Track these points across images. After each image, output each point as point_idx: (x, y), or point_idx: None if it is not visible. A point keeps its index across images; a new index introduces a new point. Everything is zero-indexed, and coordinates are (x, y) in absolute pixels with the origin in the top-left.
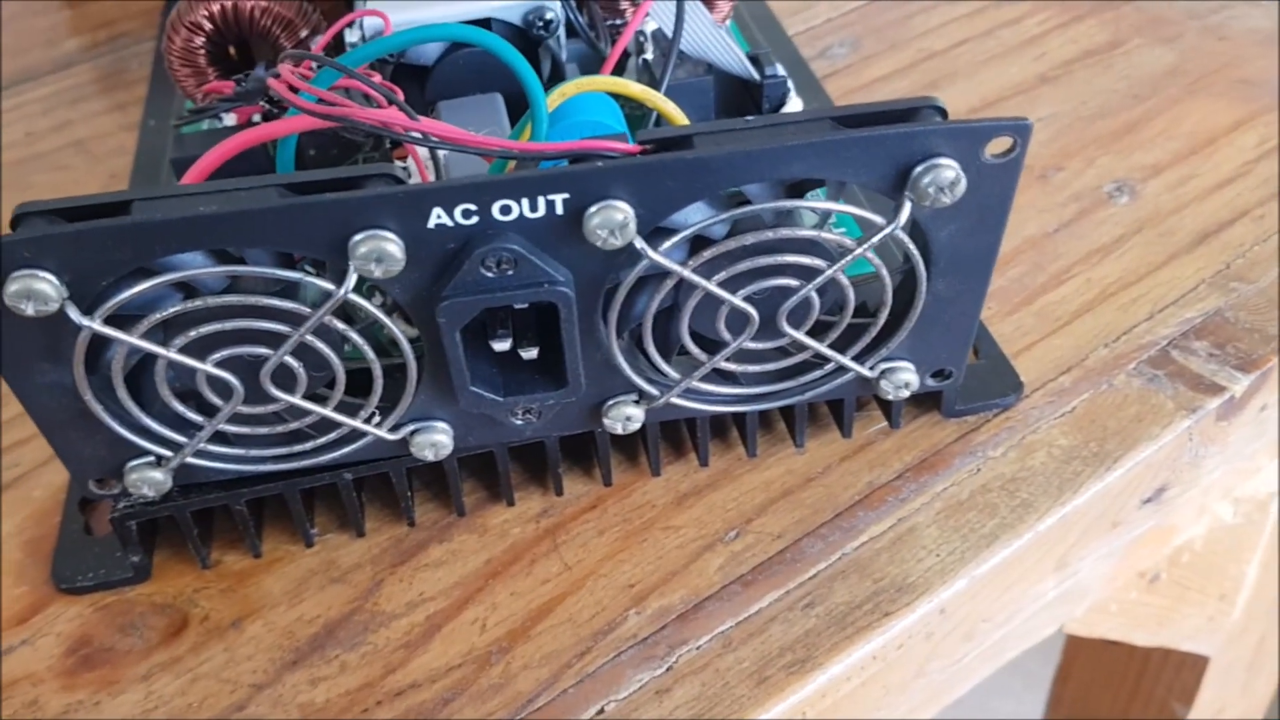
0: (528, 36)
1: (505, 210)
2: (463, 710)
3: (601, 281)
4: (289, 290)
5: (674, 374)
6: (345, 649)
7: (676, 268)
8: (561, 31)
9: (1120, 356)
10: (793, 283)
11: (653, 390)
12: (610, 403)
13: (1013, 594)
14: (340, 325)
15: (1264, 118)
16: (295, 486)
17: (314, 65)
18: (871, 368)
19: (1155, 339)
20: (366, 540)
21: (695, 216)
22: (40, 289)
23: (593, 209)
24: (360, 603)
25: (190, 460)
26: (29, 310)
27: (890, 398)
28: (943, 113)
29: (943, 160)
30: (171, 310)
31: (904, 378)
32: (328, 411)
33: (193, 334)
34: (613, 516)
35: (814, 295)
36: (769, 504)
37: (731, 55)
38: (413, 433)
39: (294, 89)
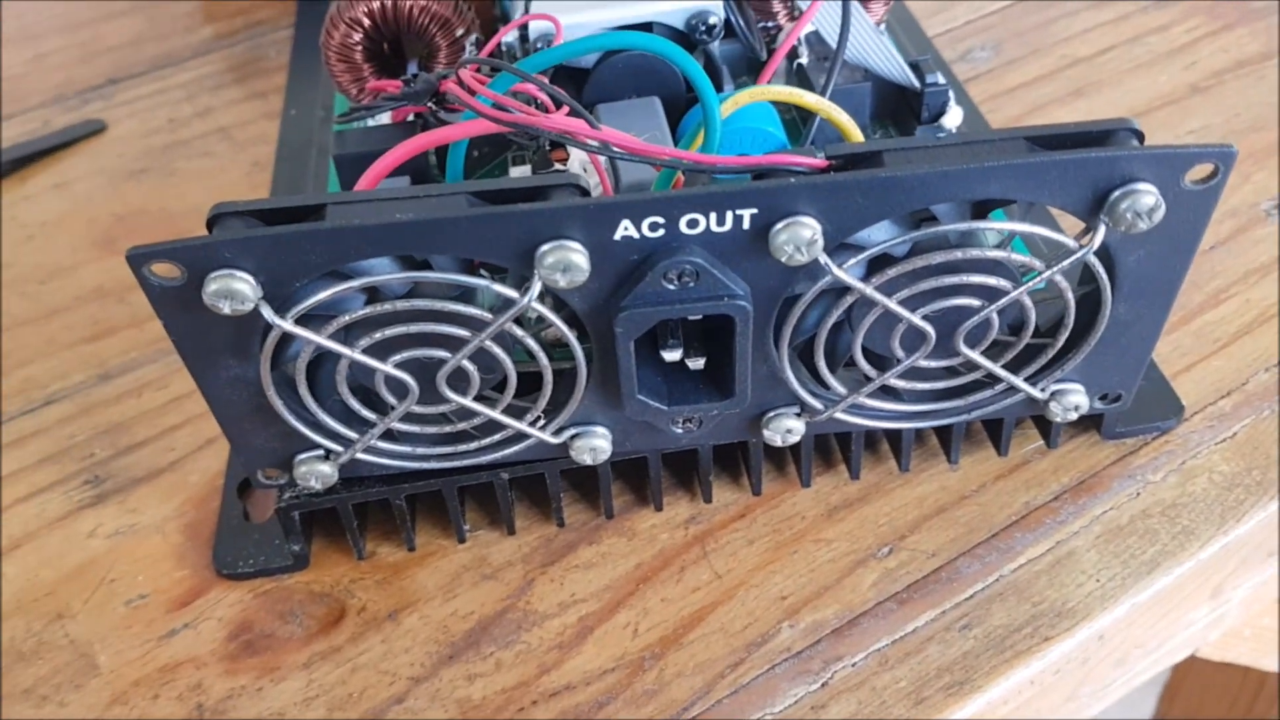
0: (689, 40)
1: (692, 224)
2: (618, 713)
3: (778, 295)
4: (468, 295)
5: (840, 388)
6: (500, 646)
7: (860, 285)
8: (719, 34)
9: None
10: (974, 302)
11: (816, 404)
12: (771, 414)
13: (1167, 621)
14: (518, 331)
15: None
16: (454, 484)
17: (488, 69)
18: (1043, 389)
19: None
20: (516, 539)
21: (879, 234)
22: (238, 289)
23: (780, 225)
24: (513, 600)
25: (359, 456)
26: (226, 309)
27: (1058, 419)
28: (1139, 135)
29: (1142, 186)
30: (360, 313)
31: (1074, 400)
32: (497, 414)
33: (377, 336)
34: (762, 526)
35: (994, 316)
36: (922, 521)
37: (892, 62)
38: (574, 437)
39: (471, 92)
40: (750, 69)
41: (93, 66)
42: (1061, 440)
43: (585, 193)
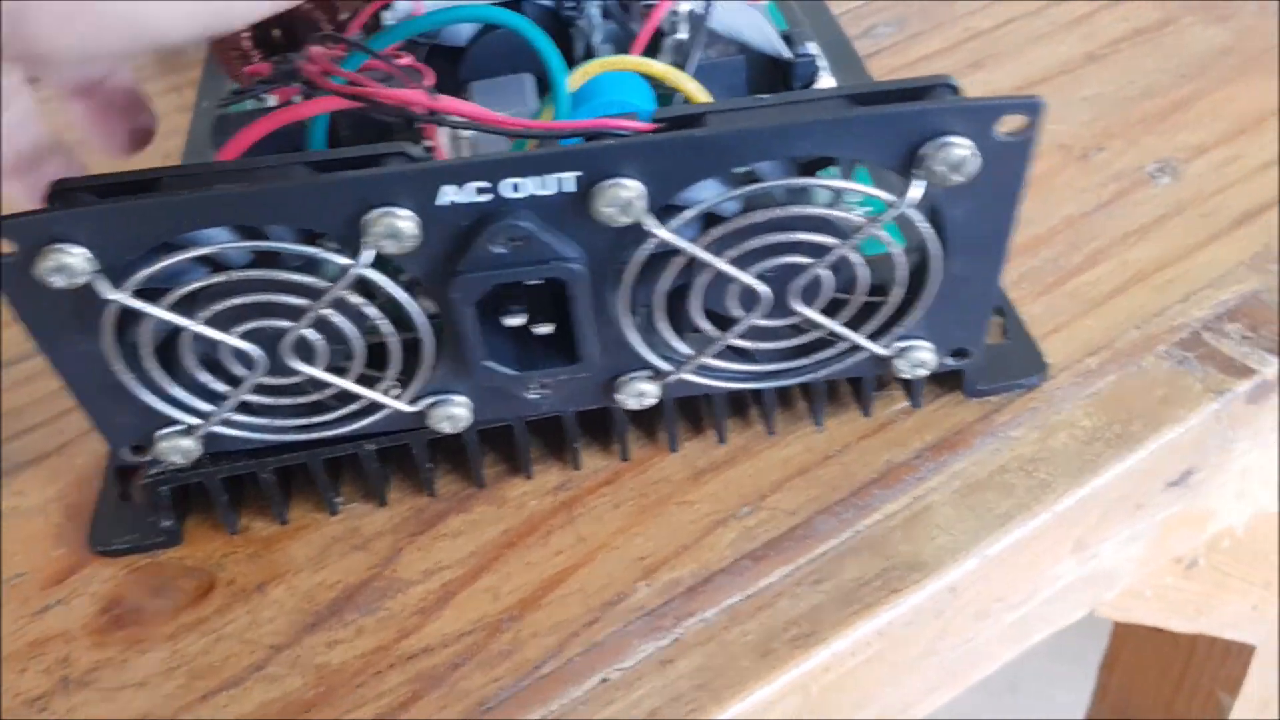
0: (559, 17)
1: (516, 188)
2: (471, 675)
3: (614, 259)
4: (314, 266)
5: (686, 350)
6: (362, 614)
7: (686, 244)
8: (595, 12)
9: (1151, 338)
10: (804, 260)
11: (666, 366)
12: (624, 378)
13: (1028, 575)
14: (357, 300)
15: None
16: (319, 456)
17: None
18: (887, 346)
19: (1187, 321)
20: (389, 510)
21: (706, 194)
22: (69, 263)
23: (603, 186)
24: (380, 570)
25: (217, 429)
26: (59, 283)
27: (906, 376)
28: (956, 91)
29: (954, 139)
30: (196, 284)
31: (920, 356)
32: (347, 383)
33: (217, 307)
34: (629, 491)
35: (825, 273)
36: (785, 481)
37: (763, 34)
38: (431, 405)
39: (324, 72)
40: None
41: None
42: (927, 400)
43: (415, 161)
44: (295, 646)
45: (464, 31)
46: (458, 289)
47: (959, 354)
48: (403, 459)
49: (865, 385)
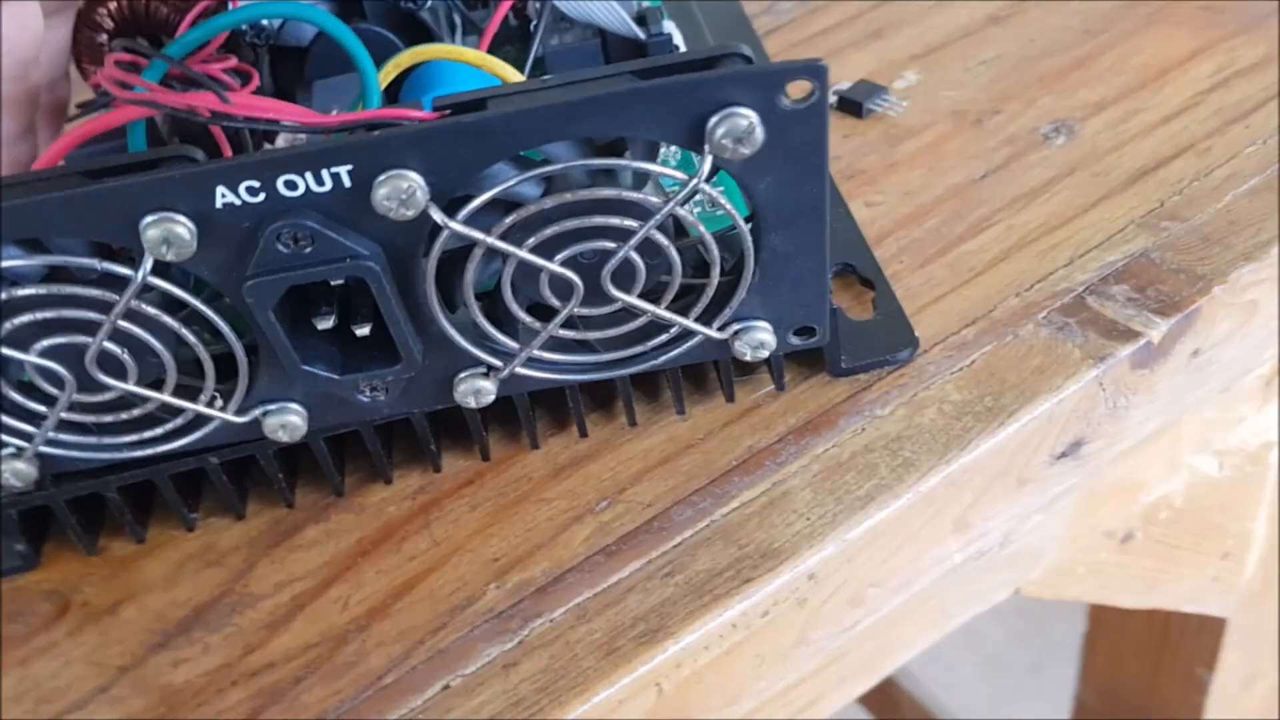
0: (399, 11)
1: (291, 185)
2: (313, 689)
3: (414, 253)
4: (117, 280)
5: (511, 344)
6: (210, 631)
7: (476, 234)
8: (439, 5)
9: (1031, 306)
10: (610, 245)
11: (496, 362)
12: (460, 376)
13: (903, 557)
14: (152, 311)
15: (1226, 43)
16: (163, 472)
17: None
18: (721, 329)
19: (1071, 285)
20: (247, 523)
21: (500, 181)
22: None
23: (380, 178)
24: (231, 585)
25: (47, 450)
26: None
27: (748, 358)
28: (747, 59)
29: (737, 110)
30: None
31: (759, 337)
32: (163, 396)
33: (8, 325)
34: (489, 491)
35: (635, 257)
36: (645, 472)
37: (614, 15)
38: (264, 414)
39: (118, 81)
40: (507, 38)
41: None
42: (795, 382)
43: (196, 163)
44: (141, 667)
45: (307, 30)
46: (251, 293)
47: (803, 332)
48: (261, 470)
49: (722, 370)
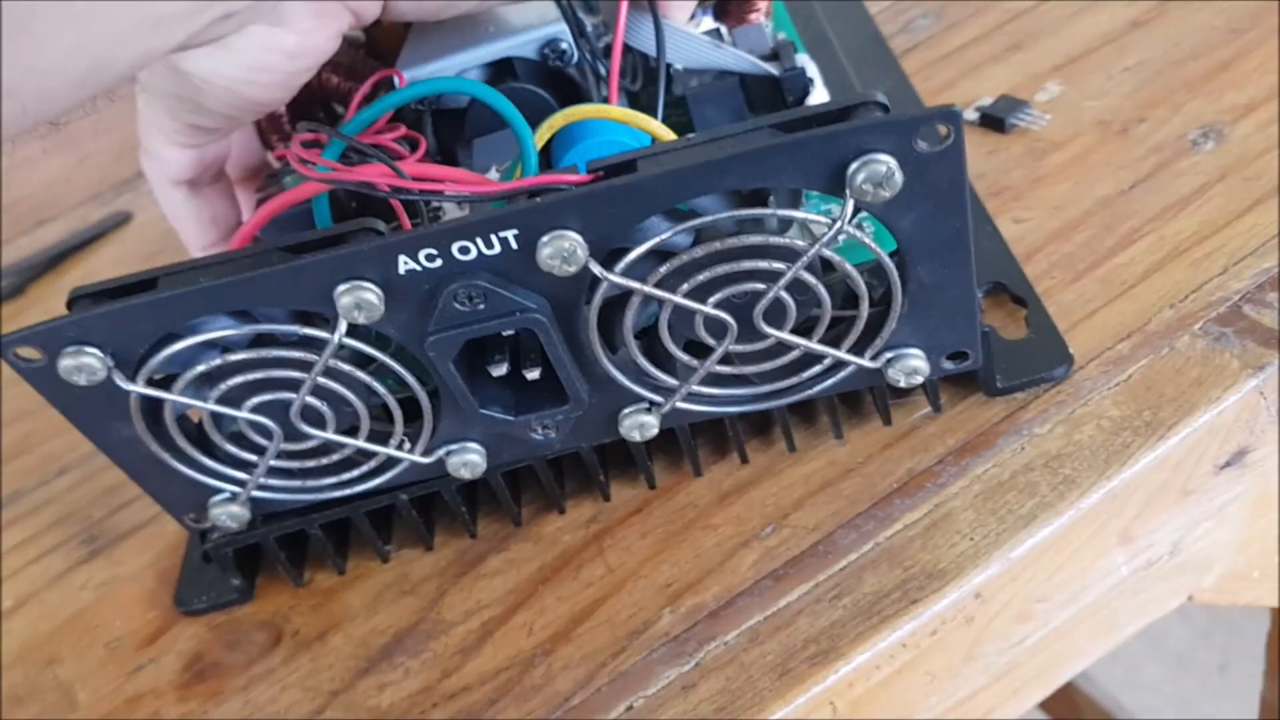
0: (548, 69)
1: (464, 250)
2: (506, 710)
3: (578, 302)
4: (315, 341)
5: (671, 381)
6: (410, 656)
7: (634, 284)
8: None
9: (1186, 317)
10: (760, 286)
11: (657, 398)
12: (625, 412)
13: (1069, 572)
14: (348, 368)
15: None
16: (359, 509)
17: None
18: (874, 358)
19: (1227, 294)
20: (436, 554)
21: (653, 234)
22: (88, 363)
23: (544, 239)
24: (426, 612)
25: (258, 494)
26: (82, 380)
27: (902, 385)
28: (884, 107)
29: (876, 156)
30: (201, 368)
31: (912, 364)
32: (359, 443)
33: (226, 386)
34: (657, 519)
35: (785, 296)
36: (807, 497)
37: (730, 56)
38: (448, 454)
39: (301, 158)
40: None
41: (124, 163)
42: (950, 403)
43: (382, 234)
44: (350, 691)
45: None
46: (432, 348)
47: (956, 357)
48: (446, 504)
49: (877, 395)
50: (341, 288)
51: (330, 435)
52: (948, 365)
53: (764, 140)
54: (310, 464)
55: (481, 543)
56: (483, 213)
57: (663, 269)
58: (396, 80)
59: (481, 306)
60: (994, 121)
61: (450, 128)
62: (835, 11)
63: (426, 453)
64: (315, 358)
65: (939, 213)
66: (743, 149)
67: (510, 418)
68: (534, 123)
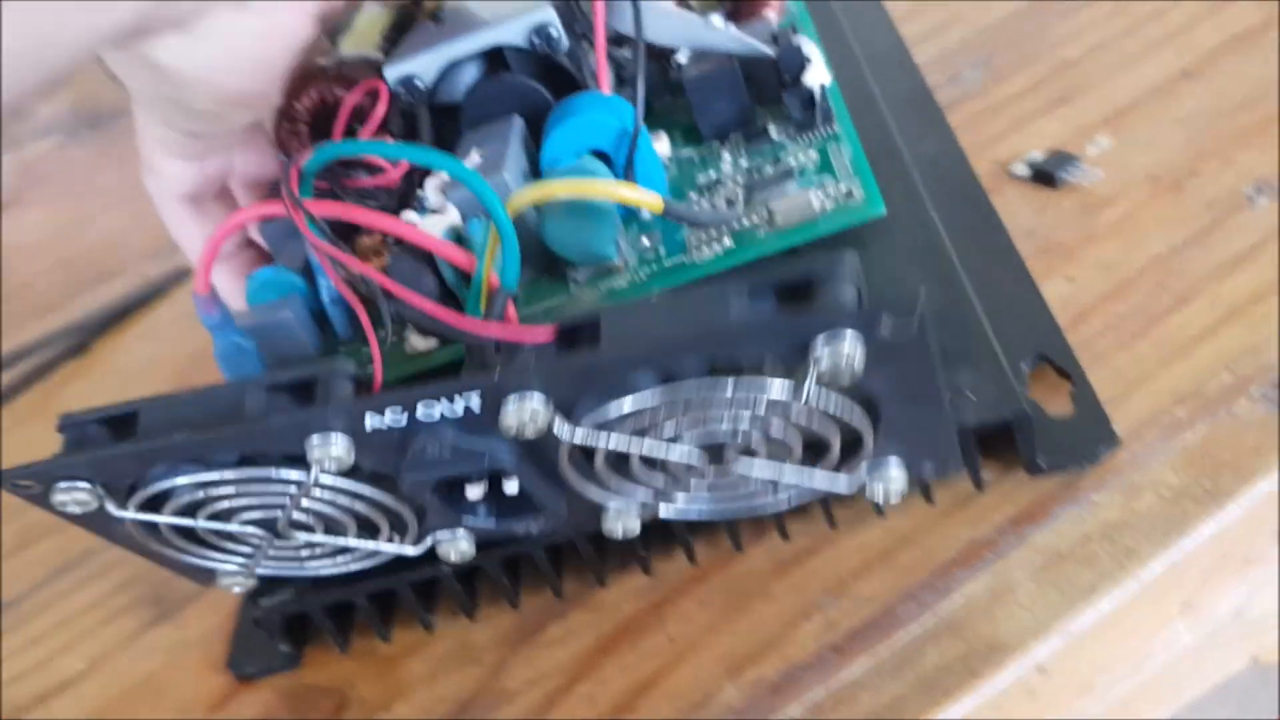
0: (536, 55)
1: (428, 412)
2: None
3: (545, 444)
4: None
5: (649, 501)
6: None
7: (600, 443)
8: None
9: (1244, 380)
10: (728, 430)
11: (637, 507)
12: (609, 512)
13: (1131, 643)
14: (325, 496)
15: None
16: (404, 580)
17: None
18: (851, 479)
19: None
20: (495, 620)
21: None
22: (78, 496)
23: (509, 401)
24: (488, 681)
25: (263, 571)
26: (76, 510)
27: (879, 499)
28: (852, 271)
29: (840, 337)
30: (185, 499)
31: (891, 474)
32: (347, 540)
33: (211, 509)
34: (716, 588)
35: (757, 436)
36: (865, 567)
37: (724, 36)
38: (437, 543)
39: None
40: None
41: None
42: (1006, 470)
43: (353, 378)
44: None
45: (459, 87)
46: (408, 486)
47: (940, 470)
48: (510, 567)
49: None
50: (313, 440)
51: (317, 537)
52: (930, 473)
53: (723, 321)
54: (305, 553)
55: (540, 611)
56: (444, 385)
57: (630, 422)
58: (379, 89)
59: (448, 456)
60: (1045, 177)
61: (446, 121)
62: (880, 63)
63: (416, 543)
64: (294, 490)
65: (910, 376)
66: (701, 331)
67: (491, 525)
68: (532, 116)
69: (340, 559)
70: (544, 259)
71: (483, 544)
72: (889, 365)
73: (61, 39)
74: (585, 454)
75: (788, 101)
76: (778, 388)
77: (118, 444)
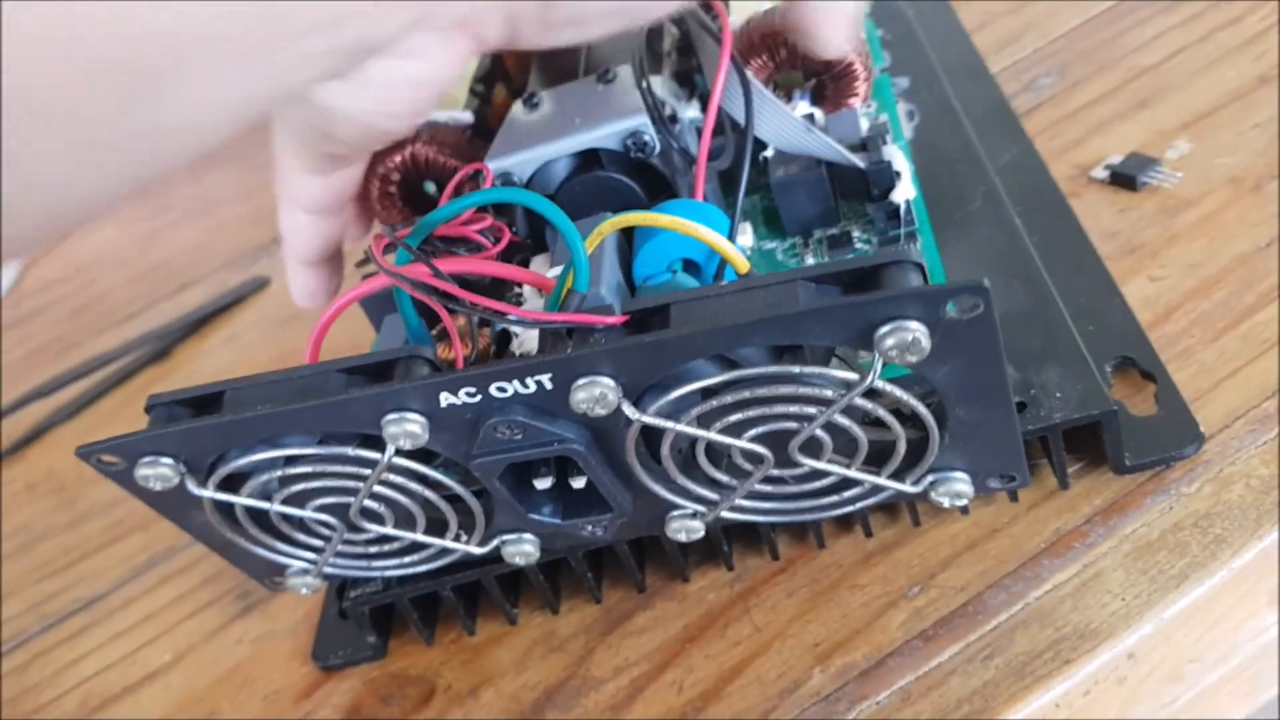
0: (630, 160)
1: (501, 389)
2: None
3: (616, 430)
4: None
5: (713, 497)
6: (562, 711)
7: (669, 424)
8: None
9: None
10: (794, 425)
11: (701, 508)
12: (671, 515)
13: (1220, 632)
14: (398, 479)
15: None
16: (490, 573)
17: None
18: (915, 483)
19: None
20: (581, 611)
21: (687, 380)
22: (161, 472)
23: (578, 384)
24: (575, 669)
25: (330, 570)
26: (157, 486)
27: (946, 506)
28: (920, 267)
29: (904, 323)
30: (263, 478)
31: (956, 489)
32: (416, 535)
33: (287, 491)
34: (801, 578)
35: (820, 433)
36: (954, 558)
37: (821, 144)
38: (503, 544)
39: (384, 249)
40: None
41: (261, 229)
42: (1093, 462)
43: (429, 361)
44: None
45: (555, 177)
46: (478, 469)
47: (1004, 478)
48: (594, 559)
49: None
50: (389, 417)
51: (387, 530)
52: (995, 485)
53: (791, 306)
54: (373, 550)
55: (625, 601)
56: (518, 362)
57: (695, 410)
58: (483, 173)
59: (520, 437)
60: (1125, 179)
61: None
62: (955, 73)
63: (482, 544)
64: (369, 471)
65: (974, 368)
66: (769, 314)
67: (558, 521)
68: (623, 209)
69: (407, 559)
70: None
71: (546, 550)
72: (955, 351)
73: (263, 94)
74: (651, 446)
75: (873, 214)
76: (844, 377)
77: (205, 417)
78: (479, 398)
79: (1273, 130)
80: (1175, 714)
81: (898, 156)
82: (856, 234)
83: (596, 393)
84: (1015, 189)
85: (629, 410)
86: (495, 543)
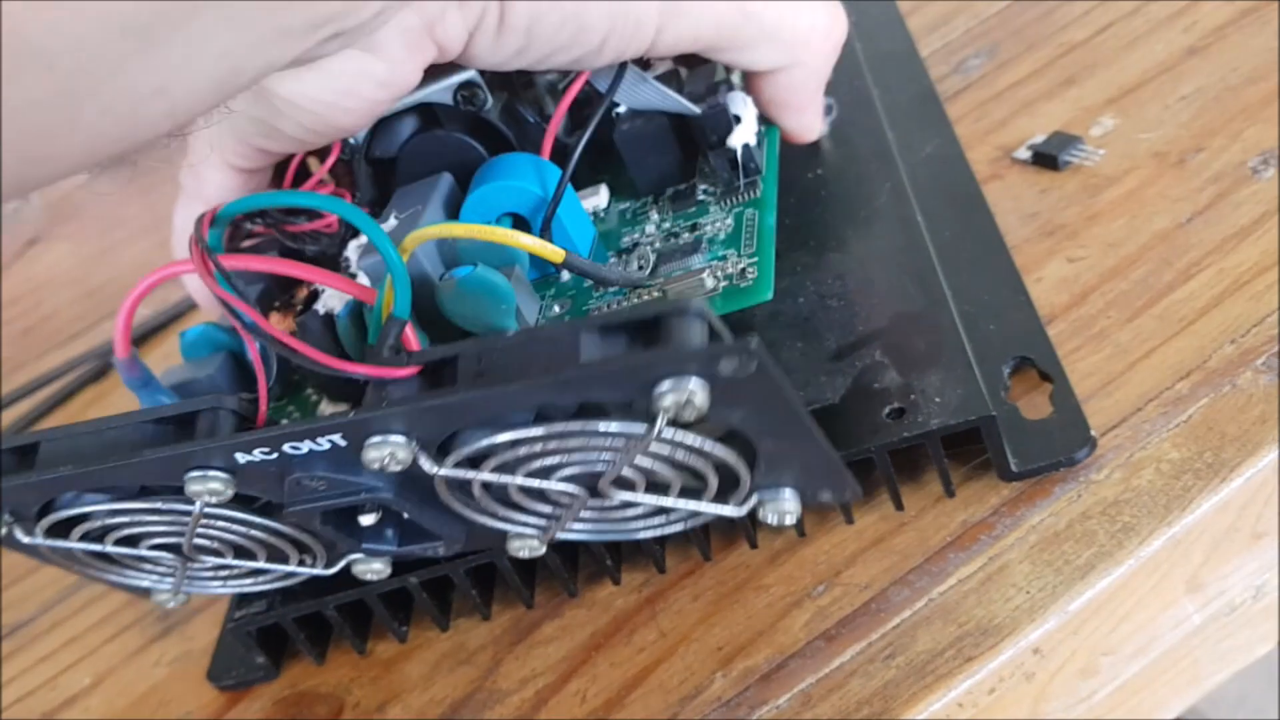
0: (462, 113)
1: (295, 448)
2: None
3: (422, 474)
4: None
5: (542, 523)
6: None
7: (470, 475)
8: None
9: (1248, 352)
10: (600, 465)
11: (530, 532)
12: (509, 536)
13: (1134, 623)
14: (219, 525)
15: None
16: (372, 592)
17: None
18: (740, 504)
19: None
20: (492, 622)
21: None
22: None
23: (370, 442)
24: (481, 682)
25: (190, 590)
26: None
27: (774, 524)
28: (699, 314)
29: (684, 380)
30: (86, 527)
31: (784, 507)
32: (257, 564)
33: (117, 535)
34: (709, 580)
35: (627, 472)
36: (859, 554)
37: (669, 99)
38: (351, 564)
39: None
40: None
41: None
42: (983, 463)
43: (233, 411)
44: None
45: (394, 142)
46: (292, 517)
47: (837, 496)
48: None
49: (889, 480)
50: (192, 474)
51: (226, 560)
52: (826, 498)
53: (570, 368)
54: (222, 574)
55: (537, 610)
56: (304, 423)
57: (496, 460)
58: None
59: (324, 489)
60: (1047, 159)
61: (385, 175)
62: (886, 64)
63: (328, 565)
64: (188, 520)
65: (765, 412)
66: (546, 380)
67: (394, 548)
68: (462, 171)
69: (260, 579)
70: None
71: (400, 563)
72: (742, 402)
73: (245, 71)
74: (463, 485)
75: (715, 162)
76: (631, 427)
77: (15, 475)
78: (275, 456)
79: (1199, 102)
80: (1093, 709)
81: (739, 100)
82: (702, 188)
83: (388, 452)
84: (929, 183)
85: (426, 465)
86: (343, 563)
